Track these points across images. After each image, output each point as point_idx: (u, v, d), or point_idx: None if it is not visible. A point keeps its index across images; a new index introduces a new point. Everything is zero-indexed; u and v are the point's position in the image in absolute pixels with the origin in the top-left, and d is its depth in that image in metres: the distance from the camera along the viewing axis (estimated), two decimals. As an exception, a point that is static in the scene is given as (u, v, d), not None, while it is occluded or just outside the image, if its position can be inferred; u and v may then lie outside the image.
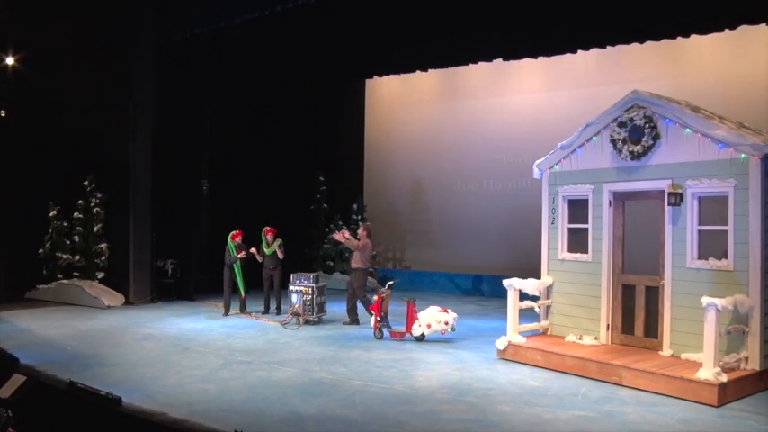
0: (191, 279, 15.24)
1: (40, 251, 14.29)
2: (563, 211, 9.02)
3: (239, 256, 12.43)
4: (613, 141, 8.27)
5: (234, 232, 12.53)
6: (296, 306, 11.40)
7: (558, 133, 9.42)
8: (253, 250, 12.60)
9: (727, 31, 11.33)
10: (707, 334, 6.73)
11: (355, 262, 11.49)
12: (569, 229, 8.98)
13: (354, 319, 11.41)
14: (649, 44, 12.72)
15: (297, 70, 16.66)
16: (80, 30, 14.57)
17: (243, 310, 12.63)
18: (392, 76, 18.02)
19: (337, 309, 12.19)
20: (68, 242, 14.24)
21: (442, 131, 17.84)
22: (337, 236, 11.81)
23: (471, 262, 16.71)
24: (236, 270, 12.54)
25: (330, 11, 13.53)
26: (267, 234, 12.58)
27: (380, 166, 19.04)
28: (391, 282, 10.81)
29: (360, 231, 11.85)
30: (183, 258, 15.21)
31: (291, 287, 11.59)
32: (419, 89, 18.14)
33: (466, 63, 15.00)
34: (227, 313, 12.42)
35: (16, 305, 13.24)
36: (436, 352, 9.25)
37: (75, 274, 14.19)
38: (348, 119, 19.01)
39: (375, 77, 18.25)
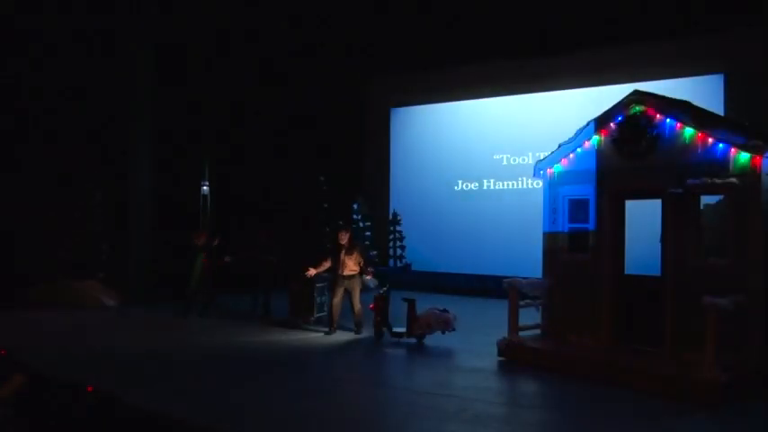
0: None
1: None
2: (563, 210, 9.01)
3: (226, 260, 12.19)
4: (614, 141, 8.26)
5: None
6: (296, 306, 11.40)
7: (558, 133, 9.41)
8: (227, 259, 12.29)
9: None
10: (707, 334, 6.71)
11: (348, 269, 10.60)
12: (570, 229, 8.97)
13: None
14: (650, 44, 12.74)
15: (297, 69, 16.68)
16: (80, 26, 14.59)
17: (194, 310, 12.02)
18: (392, 77, 18.03)
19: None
20: (69, 242, 14.27)
21: (442, 131, 17.84)
22: (310, 272, 10.73)
23: (471, 262, 16.72)
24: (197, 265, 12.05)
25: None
26: (262, 236, 12.48)
27: (380, 167, 19.04)
28: (384, 288, 10.79)
29: (343, 239, 10.77)
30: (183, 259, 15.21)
31: (291, 287, 11.58)
32: (419, 89, 18.14)
33: (466, 63, 15.02)
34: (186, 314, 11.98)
35: (17, 305, 13.22)
36: (436, 352, 9.25)
37: (75, 273, 14.21)
38: (348, 119, 19.02)
39: (375, 78, 18.25)
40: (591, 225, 8.63)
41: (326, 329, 10.69)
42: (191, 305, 12.17)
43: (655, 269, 8.03)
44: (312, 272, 10.75)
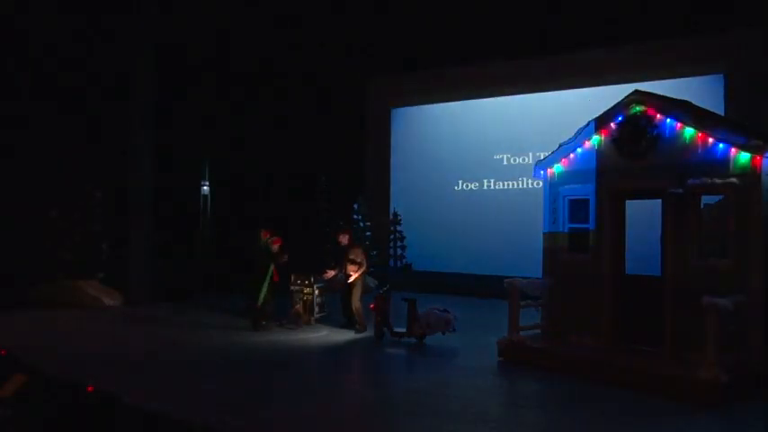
0: (194, 280, 15.22)
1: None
2: (564, 210, 9.00)
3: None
4: (614, 141, 8.26)
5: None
6: (297, 307, 11.40)
7: (558, 133, 9.42)
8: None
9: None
10: (707, 334, 6.71)
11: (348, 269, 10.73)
12: (570, 229, 8.96)
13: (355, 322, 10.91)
14: (650, 44, 12.73)
15: (297, 69, 16.70)
16: (80, 26, 14.59)
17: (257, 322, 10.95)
18: (392, 77, 18.00)
19: (336, 309, 12.17)
20: (69, 242, 14.27)
21: (442, 131, 17.85)
22: (328, 274, 11.02)
23: (471, 262, 16.71)
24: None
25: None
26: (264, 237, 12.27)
27: (380, 167, 19.05)
28: (385, 287, 10.82)
29: (343, 239, 11.06)
30: (183, 259, 15.23)
31: (291, 288, 11.58)
32: (419, 89, 18.13)
33: (466, 63, 15.02)
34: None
35: (17, 305, 13.23)
36: (436, 352, 9.24)
37: (75, 273, 14.21)
38: (348, 119, 19.02)
39: (375, 78, 18.22)
40: (591, 225, 8.62)
41: (327, 330, 10.71)
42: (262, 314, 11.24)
43: (655, 269, 8.03)
44: (330, 273, 10.95)
